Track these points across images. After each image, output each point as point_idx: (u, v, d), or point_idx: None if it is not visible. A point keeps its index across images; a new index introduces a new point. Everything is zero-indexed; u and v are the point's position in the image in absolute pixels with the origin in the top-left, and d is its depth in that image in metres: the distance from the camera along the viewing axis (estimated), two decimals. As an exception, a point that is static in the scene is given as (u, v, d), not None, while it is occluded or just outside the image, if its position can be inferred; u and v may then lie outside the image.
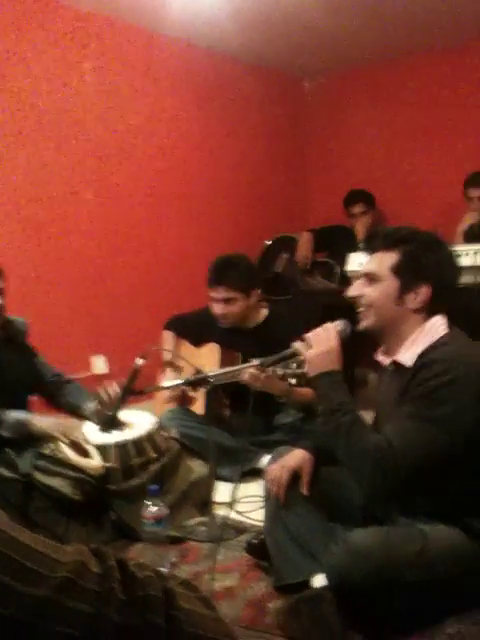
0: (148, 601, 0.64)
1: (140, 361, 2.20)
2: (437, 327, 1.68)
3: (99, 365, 3.55)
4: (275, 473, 1.86)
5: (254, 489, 2.50)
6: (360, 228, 4.29)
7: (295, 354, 1.81)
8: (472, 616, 1.63)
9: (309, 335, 1.75)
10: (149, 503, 1.85)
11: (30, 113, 3.37)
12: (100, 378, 3.46)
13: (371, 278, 1.74)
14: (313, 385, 1.74)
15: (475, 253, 3.13)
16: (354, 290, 1.79)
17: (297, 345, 1.77)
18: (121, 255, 3.79)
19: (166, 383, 2.46)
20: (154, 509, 1.85)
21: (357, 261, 3.57)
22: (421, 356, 1.63)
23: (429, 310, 1.70)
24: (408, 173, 4.67)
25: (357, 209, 4.36)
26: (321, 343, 1.71)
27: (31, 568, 0.60)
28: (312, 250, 4.29)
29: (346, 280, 3.76)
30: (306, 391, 2.64)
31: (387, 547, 1.56)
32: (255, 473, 2.67)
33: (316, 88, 5.05)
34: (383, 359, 1.80)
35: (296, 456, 1.89)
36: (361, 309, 1.76)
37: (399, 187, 4.68)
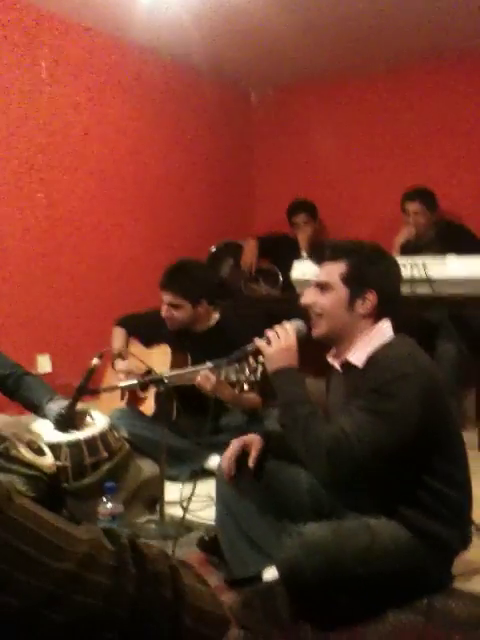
0: (158, 576, 0.71)
1: (96, 361, 2.25)
2: (385, 330, 1.80)
3: (44, 364, 3.52)
4: (226, 453, 1.97)
5: (202, 489, 2.56)
6: (302, 237, 4.43)
7: (255, 351, 1.88)
8: (412, 607, 1.75)
9: (269, 332, 1.84)
10: (105, 500, 1.89)
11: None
12: (45, 377, 3.45)
13: (323, 287, 1.84)
14: (271, 380, 1.82)
15: (411, 266, 3.29)
16: (307, 298, 1.88)
17: (257, 342, 1.85)
18: (67, 254, 3.77)
19: (122, 383, 2.48)
20: (110, 506, 1.89)
21: (301, 269, 3.70)
22: (371, 356, 1.74)
23: (376, 315, 1.81)
24: (349, 185, 4.84)
25: (300, 219, 4.50)
26: (280, 340, 1.81)
27: (57, 544, 0.65)
28: (257, 257, 4.40)
29: (289, 287, 3.89)
30: (254, 397, 2.74)
31: (337, 542, 1.65)
32: (203, 473, 2.73)
33: (263, 100, 5.17)
34: (334, 361, 1.91)
35: (246, 436, 2.01)
36: (314, 317, 1.86)
37: (340, 199, 4.85)
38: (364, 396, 1.68)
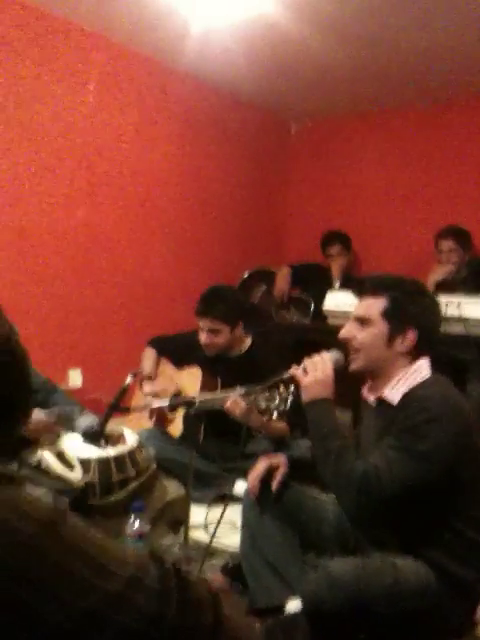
0: (199, 602, 0.72)
1: (129, 379, 2.28)
2: (422, 369, 1.79)
3: (75, 379, 3.57)
4: (252, 471, 2.01)
5: (226, 514, 2.56)
6: (335, 268, 4.45)
7: (290, 380, 1.88)
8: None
9: (306, 362, 1.83)
10: (132, 519, 1.91)
11: (28, 127, 3.42)
12: (75, 392, 3.49)
13: (362, 322, 1.84)
14: (306, 410, 1.80)
15: (446, 304, 3.29)
16: (347, 333, 1.88)
17: (294, 371, 1.84)
18: (102, 273, 3.84)
19: (154, 403, 2.51)
20: (137, 525, 1.90)
21: (334, 299, 3.71)
22: (406, 395, 1.73)
23: (415, 353, 1.80)
24: (382, 219, 4.87)
25: (334, 250, 4.52)
26: (317, 370, 1.80)
27: (106, 565, 0.67)
28: (289, 285, 4.42)
29: (320, 316, 3.91)
30: (282, 426, 2.74)
31: (362, 579, 1.63)
32: (227, 498, 2.73)
33: (302, 131, 5.25)
34: (368, 396, 1.91)
35: (273, 457, 2.04)
36: (353, 351, 1.86)
37: (372, 232, 4.87)
38: (397, 435, 1.67)
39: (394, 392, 1.78)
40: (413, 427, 1.65)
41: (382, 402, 1.82)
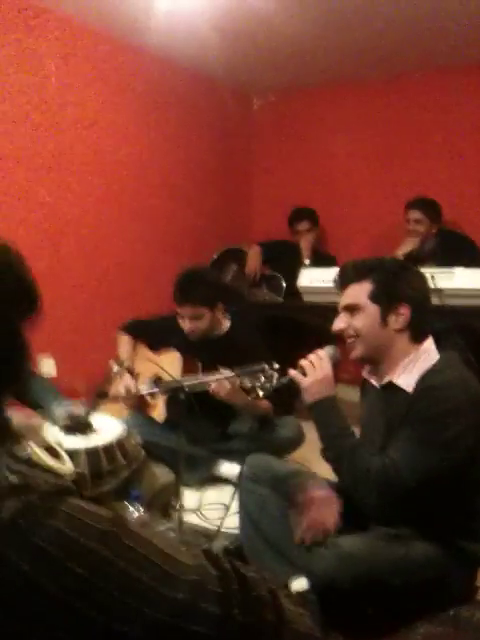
0: (261, 600, 0.70)
1: (115, 368, 2.22)
2: (431, 352, 1.77)
3: (47, 366, 3.47)
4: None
5: (214, 496, 2.55)
6: (305, 245, 4.43)
7: (290, 381, 1.84)
8: (441, 618, 1.75)
9: (304, 363, 1.80)
10: (132, 509, 1.87)
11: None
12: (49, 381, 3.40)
13: (352, 309, 1.81)
14: (310, 411, 1.78)
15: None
16: (339, 324, 1.84)
17: (293, 373, 1.81)
18: (71, 257, 3.73)
19: (142, 389, 2.46)
20: (136, 514, 1.87)
21: (308, 276, 3.71)
22: (422, 381, 1.69)
23: (412, 329, 1.78)
24: (349, 193, 4.84)
25: (302, 226, 4.49)
26: (316, 371, 1.78)
27: (168, 572, 0.65)
28: (261, 263, 4.39)
29: (293, 294, 3.89)
30: (265, 404, 2.74)
31: (373, 553, 1.65)
32: (213, 479, 2.72)
33: (265, 106, 5.16)
34: (370, 378, 1.89)
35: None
36: (350, 340, 1.82)
37: (340, 208, 4.83)
38: (415, 425, 1.65)
39: (405, 378, 1.74)
40: (434, 417, 1.63)
41: (391, 387, 1.79)
